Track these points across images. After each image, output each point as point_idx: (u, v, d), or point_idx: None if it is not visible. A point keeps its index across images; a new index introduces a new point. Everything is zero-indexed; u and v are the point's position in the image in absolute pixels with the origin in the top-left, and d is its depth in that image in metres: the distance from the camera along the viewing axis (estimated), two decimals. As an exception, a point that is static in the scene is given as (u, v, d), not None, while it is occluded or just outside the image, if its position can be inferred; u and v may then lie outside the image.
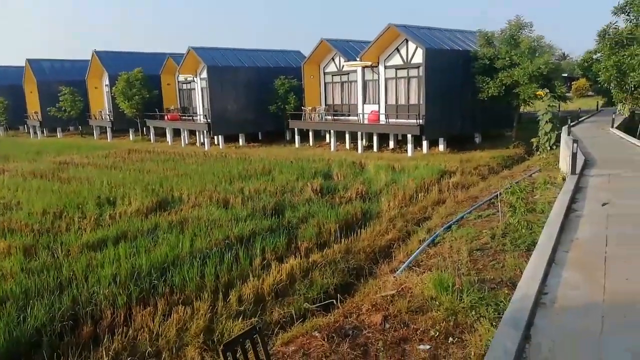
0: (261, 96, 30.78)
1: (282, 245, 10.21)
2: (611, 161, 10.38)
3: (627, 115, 21.12)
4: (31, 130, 45.84)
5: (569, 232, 5.53)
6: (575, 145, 8.73)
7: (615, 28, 19.08)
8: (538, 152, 19.96)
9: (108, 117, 38.65)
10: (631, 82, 17.88)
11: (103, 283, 8.13)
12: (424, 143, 23.58)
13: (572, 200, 6.89)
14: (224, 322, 7.11)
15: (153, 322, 7.03)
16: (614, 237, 5.20)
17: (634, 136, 16.37)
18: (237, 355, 4.22)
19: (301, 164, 20.55)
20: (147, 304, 7.64)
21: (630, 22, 19.18)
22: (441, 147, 24.20)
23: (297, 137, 29.45)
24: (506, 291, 7.17)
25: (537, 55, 23.13)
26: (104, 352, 6.31)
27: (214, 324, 7.08)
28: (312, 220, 11.92)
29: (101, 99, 40.38)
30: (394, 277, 8.64)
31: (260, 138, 32.96)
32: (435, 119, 22.89)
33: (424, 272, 8.66)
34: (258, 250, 9.78)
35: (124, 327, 6.98)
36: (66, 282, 8.33)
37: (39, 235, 11.42)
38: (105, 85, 39.03)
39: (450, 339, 6.21)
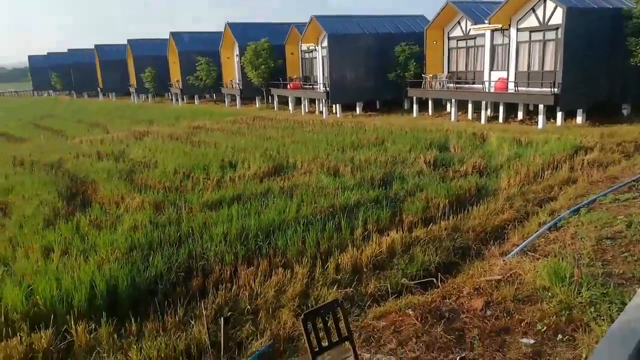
0: (381, 64, 30.16)
1: (385, 217, 10.00)
2: None
3: None
4: (173, 98, 50.90)
5: None
6: None
7: None
8: None
9: (237, 85, 41.21)
10: None
11: (215, 240, 8.77)
12: (559, 114, 21.14)
13: None
14: (319, 288, 7.22)
15: (255, 282, 7.40)
16: None
17: None
18: (318, 326, 4.21)
19: (416, 134, 19.82)
20: (251, 263, 8.07)
21: None
22: (579, 119, 21.48)
23: (415, 106, 28.44)
24: (637, 289, 6.19)
25: None
26: (210, 304, 6.82)
27: (310, 289, 7.23)
28: (420, 194, 11.47)
29: (232, 68, 43.08)
30: (504, 260, 7.98)
31: (378, 107, 32.51)
32: (574, 87, 20.30)
33: (539, 259, 7.86)
34: (360, 221, 9.70)
35: (229, 283, 7.47)
36: (185, 237, 9.16)
37: (169, 192, 12.71)
38: (236, 56, 41.46)
39: (560, 336, 5.57)
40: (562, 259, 7.37)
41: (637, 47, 19.92)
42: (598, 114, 21.49)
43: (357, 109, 31.25)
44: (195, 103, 47.02)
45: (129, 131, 26.01)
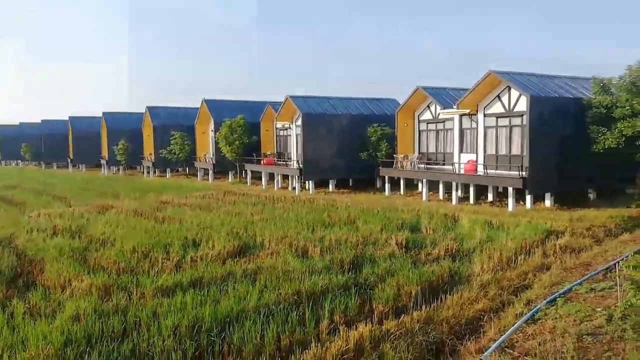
0: (353, 143, 30.70)
1: (354, 306, 9.31)
2: None
3: None
4: (145, 170, 50.25)
5: None
6: None
7: None
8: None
9: (211, 160, 41.09)
10: None
11: (163, 334, 7.85)
12: (528, 197, 21.38)
13: None
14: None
15: (203, 386, 6.48)
16: None
17: None
18: None
19: (388, 213, 19.56)
20: (202, 363, 7.16)
21: None
22: (547, 202, 21.77)
23: (387, 185, 28.57)
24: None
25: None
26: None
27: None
28: (391, 280, 10.88)
29: (207, 143, 43.22)
30: (481, 359, 7.31)
31: (350, 184, 32.60)
32: (541, 172, 20.75)
33: (519, 358, 7.23)
34: (327, 311, 8.97)
35: (173, 388, 6.52)
36: (130, 329, 8.20)
37: (123, 273, 11.75)
38: (211, 131, 41.77)
39: None
40: (544, 359, 6.77)
41: (599, 135, 20.75)
42: (565, 198, 21.85)
43: (330, 185, 31.21)
44: (167, 176, 46.45)
45: (93, 205, 24.99)
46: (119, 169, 54.35)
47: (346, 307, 9.29)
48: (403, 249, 13.94)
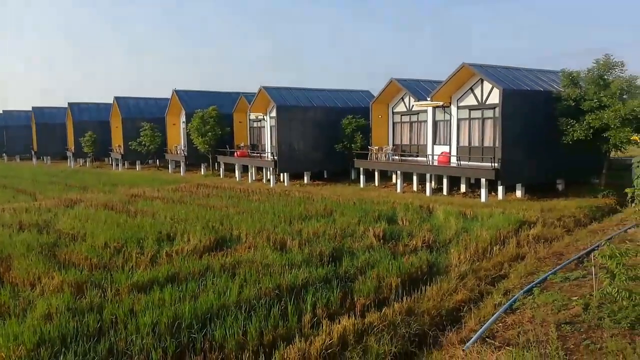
0: (328, 135, 30.62)
1: (335, 300, 9.27)
2: None
3: None
4: (114, 163, 48.86)
5: None
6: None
7: None
8: (633, 204, 17.59)
9: (183, 152, 40.28)
10: None
11: (142, 332, 7.61)
12: (500, 188, 21.81)
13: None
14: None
15: (186, 385, 6.31)
16: None
17: None
18: None
19: (364, 205, 19.62)
20: (183, 361, 6.97)
21: None
22: (518, 193, 22.27)
23: (362, 177, 28.66)
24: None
25: (629, 97, 20.96)
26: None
27: (251, 393, 6.23)
28: (371, 272, 10.89)
29: (178, 134, 42.30)
30: (463, 350, 7.39)
31: (325, 176, 32.56)
32: (513, 163, 21.18)
33: (501, 348, 7.34)
34: (309, 305, 8.89)
35: (154, 388, 6.32)
36: (106, 328, 7.92)
37: (95, 270, 11.36)
38: (182, 122, 40.91)
39: None
40: (526, 349, 6.89)
41: (568, 127, 21.29)
42: (535, 189, 22.39)
43: (305, 178, 31.08)
44: (137, 169, 45.29)
45: (60, 198, 24.12)
46: (85, 162, 52.69)
47: (328, 300, 9.24)
48: (381, 241, 14.00)
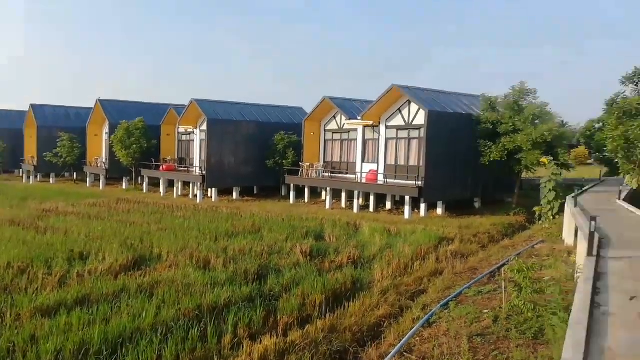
0: (260, 150, 30.45)
1: (258, 319, 9.08)
2: (627, 240, 9.45)
3: (634, 187, 20.40)
4: (24, 175, 45.20)
5: (598, 338, 4.51)
6: (593, 223, 7.81)
7: (624, 97, 18.79)
8: (540, 221, 19.05)
9: (104, 164, 38.16)
10: (639, 154, 17.28)
11: (43, 360, 6.99)
12: (422, 206, 22.74)
13: (594, 290, 5.90)
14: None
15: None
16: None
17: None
18: None
19: (293, 222, 19.60)
20: (88, 390, 6.47)
21: (638, 92, 18.88)
22: (439, 210, 23.33)
23: (292, 193, 28.69)
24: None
25: (538, 122, 22.83)
26: None
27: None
28: (296, 290, 10.82)
29: (99, 146, 40.09)
30: (382, 366, 7.49)
31: (255, 192, 32.23)
32: (435, 182, 22.20)
33: (417, 362, 7.52)
34: (230, 325, 8.64)
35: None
36: (2, 357, 7.18)
37: (-6, 293, 10.33)
38: (105, 133, 38.83)
39: None
40: (439, 362, 7.11)
41: (486, 148, 22.73)
42: (455, 206, 23.56)
43: (234, 193, 30.57)
44: (51, 182, 42.17)
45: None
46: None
47: (250, 320, 9.05)
48: (308, 258, 14.00)
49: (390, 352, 8.01)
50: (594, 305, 5.40)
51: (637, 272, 6.96)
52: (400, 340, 8.49)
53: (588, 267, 6.91)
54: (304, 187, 28.72)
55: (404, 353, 8.05)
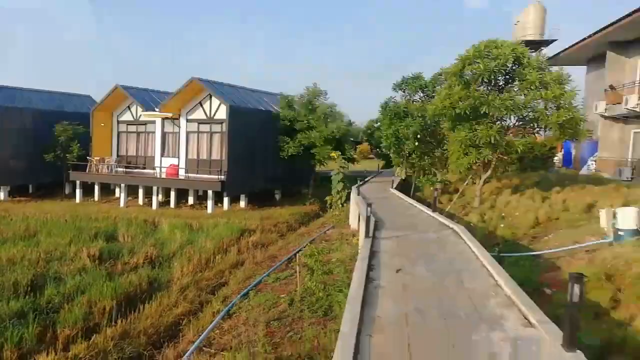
0: (37, 143, 26.11)
1: (31, 337, 7.80)
2: (396, 222, 11.07)
3: (402, 178, 24.14)
4: None
5: (371, 308, 5.12)
6: (369, 208, 8.89)
7: (394, 102, 21.98)
8: (331, 209, 21.05)
9: None
10: (406, 149, 20.50)
11: None
12: (225, 199, 22.78)
13: (370, 267, 6.70)
14: None
15: None
16: (414, 316, 4.97)
17: (409, 195, 18.50)
18: None
19: (79, 223, 17.46)
20: None
21: (405, 97, 22.35)
22: (242, 203, 23.73)
23: (78, 191, 25.50)
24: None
25: (330, 120, 25.12)
26: None
27: None
28: (81, 298, 9.66)
29: None
30: (179, 365, 7.23)
31: (30, 191, 27.63)
32: (237, 175, 22.45)
33: (216, 355, 7.49)
34: (-9, 349, 7.22)
35: None
36: None
37: None
38: None
39: None
40: (237, 351, 7.21)
41: (284, 144, 23.98)
42: (257, 199, 24.29)
43: (1, 194, 25.68)
44: None
45: None
46: None
47: (21, 338, 7.71)
48: (96, 262, 12.65)
49: (189, 349, 7.79)
50: (368, 280, 6.15)
51: (403, 249, 8.21)
52: (200, 335, 8.34)
53: (365, 247, 7.86)
54: (93, 184, 25.82)
55: (204, 348, 7.93)
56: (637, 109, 18.16)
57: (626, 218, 8.85)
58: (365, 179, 25.52)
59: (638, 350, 5.36)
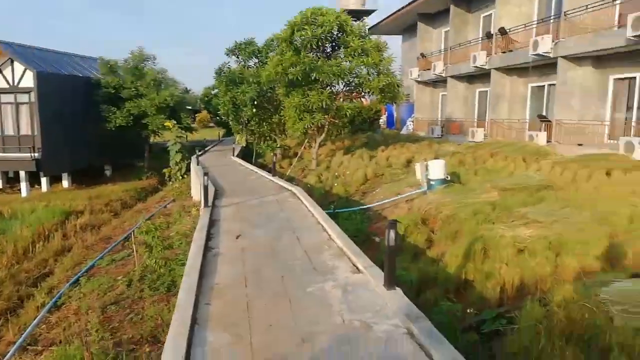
0: None
1: None
2: (237, 189, 11.05)
3: (243, 145, 24.04)
4: None
5: (209, 277, 5.06)
6: (206, 177, 8.67)
7: (229, 68, 21.44)
8: (171, 182, 20.08)
9: None
10: (244, 116, 20.36)
11: None
12: (43, 180, 20.02)
13: (208, 236, 6.59)
14: None
15: None
16: (252, 277, 5.06)
17: (250, 162, 18.59)
18: None
19: None
20: None
21: (239, 63, 21.93)
22: (65, 183, 21.16)
23: None
24: (148, 349, 6.23)
25: (162, 87, 23.54)
26: None
27: None
28: None
29: None
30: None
31: None
32: (55, 152, 19.82)
33: (43, 352, 6.71)
34: None
35: None
36: None
37: None
38: None
39: None
40: (70, 343, 6.55)
41: (110, 114, 21.76)
42: (84, 177, 21.90)
43: None
44: None
45: None
46: None
47: None
48: None
49: (8, 351, 6.82)
50: (207, 249, 6.07)
51: (242, 214, 8.27)
52: (22, 334, 7.36)
53: (204, 216, 7.71)
54: None
55: (28, 347, 7.04)
56: (443, 74, 20.85)
57: (436, 169, 10.23)
58: (206, 149, 24.86)
59: (447, 281, 6.34)
